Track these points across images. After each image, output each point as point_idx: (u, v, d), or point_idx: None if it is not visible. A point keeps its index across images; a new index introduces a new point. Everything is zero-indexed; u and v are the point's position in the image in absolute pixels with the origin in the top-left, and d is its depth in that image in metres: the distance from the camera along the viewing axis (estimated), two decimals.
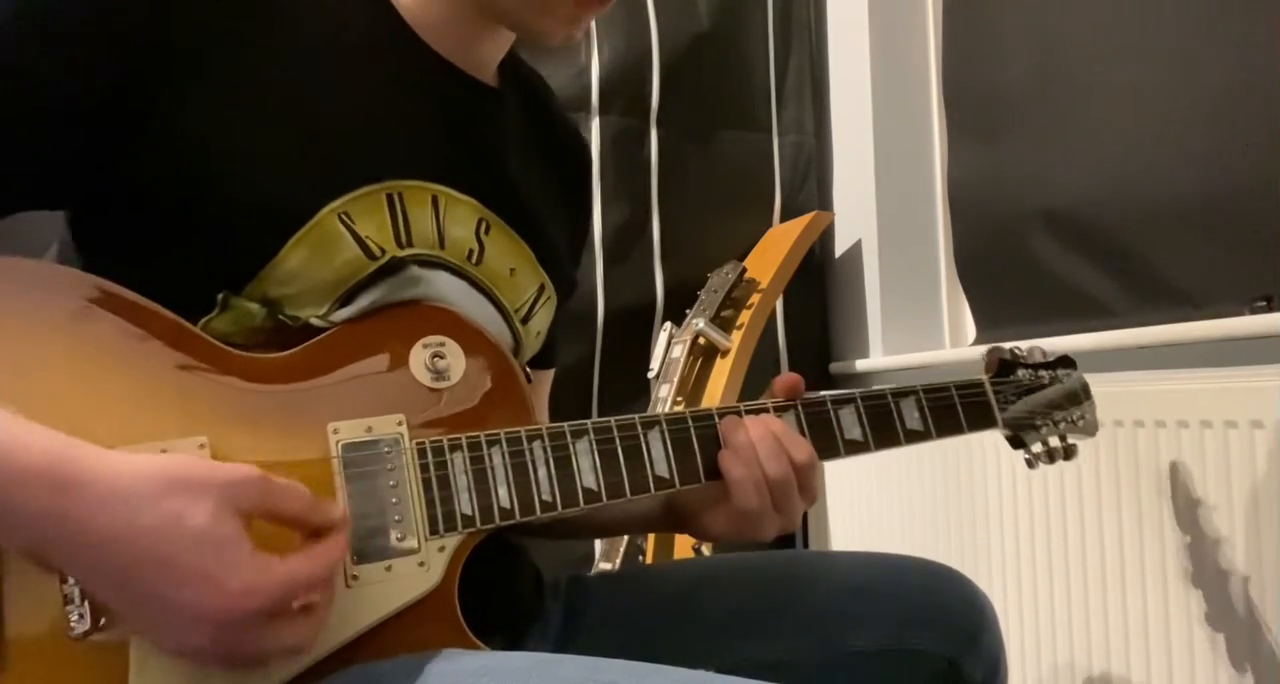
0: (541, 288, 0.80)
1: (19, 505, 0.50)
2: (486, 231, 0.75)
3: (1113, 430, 1.20)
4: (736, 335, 1.78)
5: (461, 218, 0.73)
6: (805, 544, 2.00)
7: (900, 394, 0.80)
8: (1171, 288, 1.35)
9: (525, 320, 0.79)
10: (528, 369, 0.76)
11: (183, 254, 0.64)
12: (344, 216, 0.66)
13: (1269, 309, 1.17)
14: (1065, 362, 0.91)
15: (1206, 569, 1.09)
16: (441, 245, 0.71)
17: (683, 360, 1.75)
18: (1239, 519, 1.05)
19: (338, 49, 0.70)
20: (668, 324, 1.86)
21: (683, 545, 1.70)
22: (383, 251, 0.67)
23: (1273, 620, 1.02)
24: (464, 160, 0.74)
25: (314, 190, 0.65)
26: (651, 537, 1.70)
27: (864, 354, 1.98)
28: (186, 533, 0.51)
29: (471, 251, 0.73)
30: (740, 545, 1.91)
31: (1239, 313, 1.18)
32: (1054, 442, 0.89)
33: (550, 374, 0.95)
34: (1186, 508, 1.12)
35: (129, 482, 0.52)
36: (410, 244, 0.69)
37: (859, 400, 0.78)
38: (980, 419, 0.84)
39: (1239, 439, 1.05)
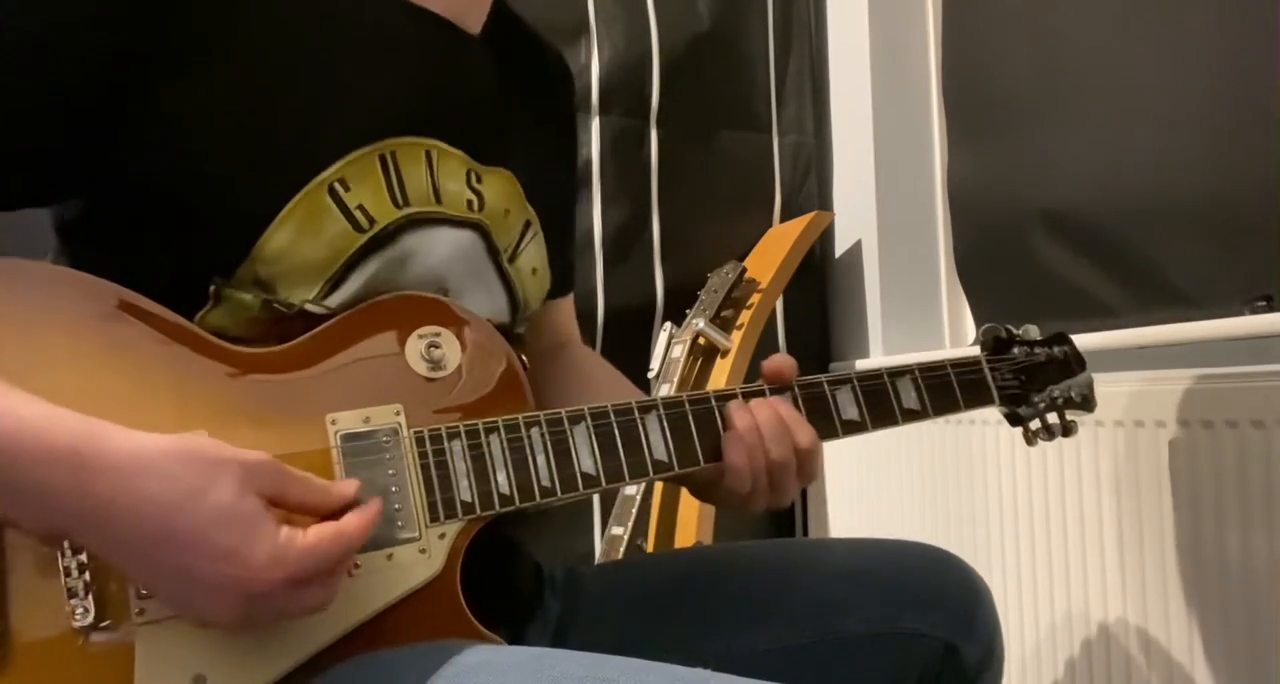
0: (528, 223, 0.80)
1: (43, 483, 0.51)
2: (478, 180, 0.75)
3: (1113, 430, 1.20)
4: (736, 335, 1.78)
5: (453, 171, 0.73)
6: (806, 531, 2.00)
7: (896, 373, 0.80)
8: (1171, 288, 1.35)
9: (512, 260, 0.78)
10: (524, 357, 0.76)
11: (172, 240, 0.64)
12: (337, 185, 0.66)
13: (1269, 309, 1.17)
14: (1060, 338, 0.91)
15: (1206, 569, 1.09)
16: (438, 200, 0.71)
17: (683, 360, 1.75)
18: (1239, 519, 1.05)
19: (313, 11, 0.69)
20: (668, 324, 1.86)
21: (683, 544, 1.69)
22: (372, 223, 0.67)
23: (1272, 618, 1.02)
24: (449, 110, 0.74)
25: (298, 162, 0.65)
26: (651, 538, 1.70)
27: (864, 354, 1.98)
28: (210, 508, 0.52)
29: (470, 202, 0.73)
30: (741, 530, 1.92)
31: (1239, 313, 1.18)
32: (1052, 418, 0.89)
33: (569, 299, 0.96)
34: (1186, 508, 1.12)
35: (152, 458, 0.52)
36: (408, 203, 0.69)
37: (855, 381, 0.79)
38: (977, 397, 0.84)
39: (1239, 439, 1.05)
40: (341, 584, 0.58)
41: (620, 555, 1.66)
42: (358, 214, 0.66)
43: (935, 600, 0.81)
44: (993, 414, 0.88)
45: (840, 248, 2.06)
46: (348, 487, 0.59)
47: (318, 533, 0.55)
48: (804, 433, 0.74)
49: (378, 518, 0.59)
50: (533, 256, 0.81)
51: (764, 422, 0.73)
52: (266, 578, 0.53)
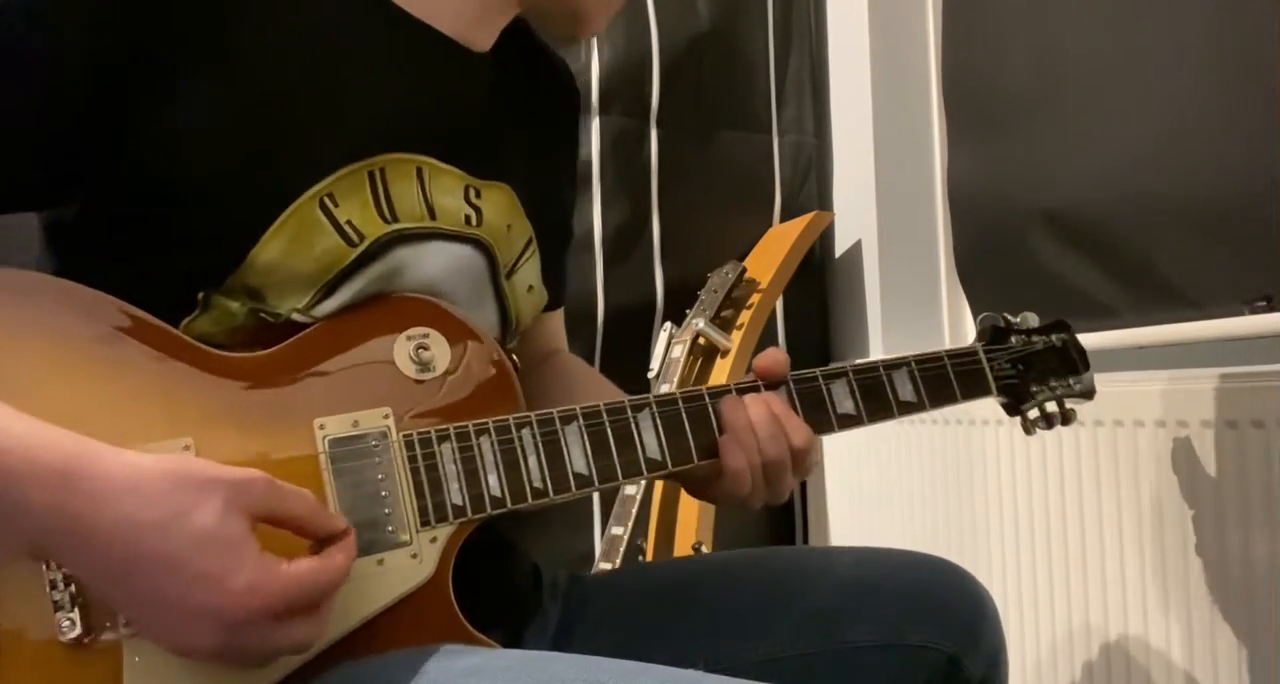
0: (529, 241, 0.79)
1: (26, 500, 0.50)
2: (477, 195, 0.74)
3: (1113, 430, 1.20)
4: (736, 335, 1.78)
5: (448, 187, 0.72)
6: (805, 532, 2.00)
7: (892, 366, 0.79)
8: (1171, 288, 1.34)
9: (509, 275, 0.78)
10: (514, 357, 0.75)
11: (162, 250, 0.64)
12: (326, 200, 0.65)
13: (1269, 309, 1.17)
14: (1059, 326, 0.89)
15: (1205, 569, 1.09)
16: (432, 216, 0.70)
17: (683, 360, 1.75)
18: (1238, 519, 1.05)
19: (309, 25, 0.69)
20: (668, 324, 1.86)
21: (682, 548, 1.69)
22: (362, 237, 0.66)
23: (1272, 618, 1.01)
24: (440, 127, 0.73)
25: (290, 176, 0.65)
26: (651, 538, 1.70)
27: (864, 354, 1.97)
28: (192, 531, 0.51)
29: (468, 217, 0.73)
30: (740, 529, 1.92)
31: (1239, 313, 1.18)
32: (1051, 407, 0.88)
33: (559, 313, 0.96)
34: (1186, 508, 1.11)
35: (136, 478, 0.51)
36: (396, 219, 0.68)
37: (850, 374, 0.78)
38: (975, 387, 0.83)
39: (1239, 439, 1.05)
40: (326, 624, 0.56)
41: (620, 556, 1.66)
42: (348, 229, 0.66)
43: (939, 613, 0.80)
44: (993, 413, 0.87)
45: (840, 248, 2.06)
46: (338, 519, 0.59)
47: (304, 563, 0.54)
48: (798, 432, 0.73)
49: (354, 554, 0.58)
50: (529, 274, 0.80)
51: (758, 420, 0.72)
52: (244, 604, 0.51)
